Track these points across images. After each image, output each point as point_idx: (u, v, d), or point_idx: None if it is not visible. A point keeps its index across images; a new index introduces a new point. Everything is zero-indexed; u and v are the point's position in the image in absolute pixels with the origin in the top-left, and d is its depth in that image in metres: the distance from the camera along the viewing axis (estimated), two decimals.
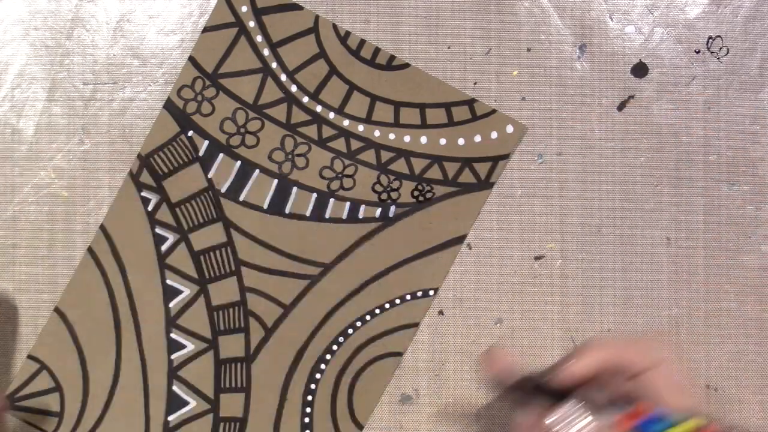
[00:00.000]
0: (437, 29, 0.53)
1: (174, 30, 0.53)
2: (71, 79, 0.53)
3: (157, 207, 0.53)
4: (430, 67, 0.53)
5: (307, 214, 0.53)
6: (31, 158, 0.53)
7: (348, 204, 0.53)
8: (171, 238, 0.53)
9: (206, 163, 0.53)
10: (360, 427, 0.53)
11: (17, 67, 0.53)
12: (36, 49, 0.53)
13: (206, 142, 0.53)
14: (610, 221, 0.53)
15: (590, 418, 0.39)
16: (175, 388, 0.52)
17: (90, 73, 0.53)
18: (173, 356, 0.52)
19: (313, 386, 0.53)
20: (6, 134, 0.53)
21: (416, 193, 0.53)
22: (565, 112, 0.53)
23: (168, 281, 0.53)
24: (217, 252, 0.53)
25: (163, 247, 0.53)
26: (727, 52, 0.53)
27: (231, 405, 0.53)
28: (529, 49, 0.53)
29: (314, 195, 0.53)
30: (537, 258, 0.53)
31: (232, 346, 0.53)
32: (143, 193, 0.53)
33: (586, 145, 0.53)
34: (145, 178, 0.53)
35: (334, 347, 0.53)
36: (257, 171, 0.53)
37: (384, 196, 0.53)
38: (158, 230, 0.53)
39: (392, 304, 0.53)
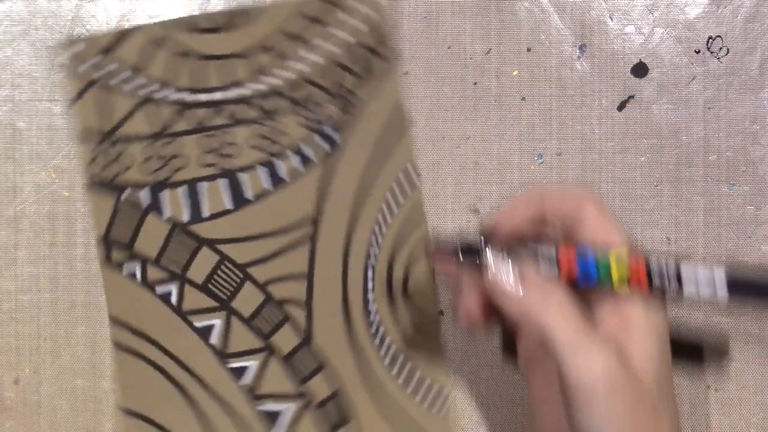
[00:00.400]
0: (437, 29, 0.53)
1: None
2: (71, 79, 0.53)
3: (144, 272, 0.53)
4: (430, 67, 0.53)
5: (269, 187, 0.53)
6: (31, 158, 0.53)
7: (298, 156, 0.53)
8: (173, 288, 0.53)
9: (156, 208, 0.53)
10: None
11: (17, 67, 0.53)
12: (36, 49, 0.53)
13: (143, 191, 0.53)
14: None
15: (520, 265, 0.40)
16: (263, 408, 0.52)
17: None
18: (241, 383, 0.52)
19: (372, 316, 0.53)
20: (6, 134, 0.53)
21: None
22: (565, 112, 0.53)
23: (196, 324, 0.53)
24: (219, 272, 0.53)
25: (173, 300, 0.53)
26: (727, 52, 0.53)
27: (317, 388, 0.53)
28: (529, 49, 0.53)
29: (262, 169, 0.53)
30: None
31: (285, 340, 0.53)
32: (125, 269, 0.53)
33: (586, 145, 0.53)
34: (117, 255, 0.53)
35: (369, 273, 0.53)
36: (202, 183, 0.53)
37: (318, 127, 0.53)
38: (159, 289, 0.53)
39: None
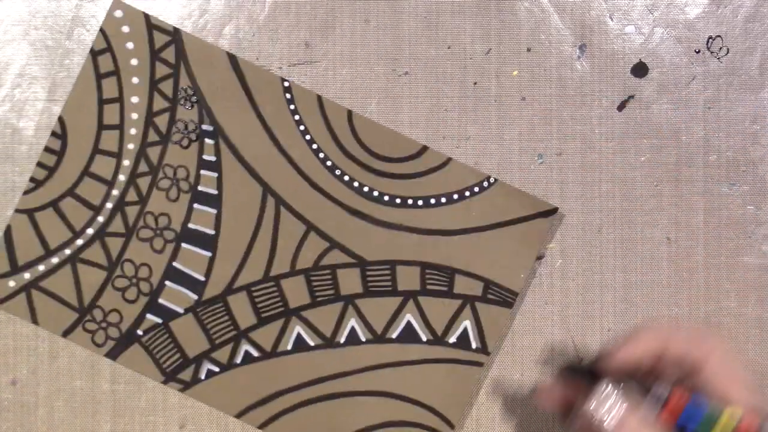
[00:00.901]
0: (437, 29, 0.53)
1: None
2: (71, 79, 0.53)
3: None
4: (430, 67, 0.53)
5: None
6: (31, 158, 0.53)
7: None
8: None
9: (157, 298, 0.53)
10: None
11: (17, 67, 0.53)
12: (36, 49, 0.53)
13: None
14: (610, 221, 0.53)
15: (625, 404, 0.39)
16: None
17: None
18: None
19: None
20: (6, 134, 0.53)
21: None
22: (565, 112, 0.53)
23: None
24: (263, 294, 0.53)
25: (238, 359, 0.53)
26: (727, 52, 0.53)
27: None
28: (529, 49, 0.53)
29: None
30: (537, 258, 0.53)
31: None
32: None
33: (586, 145, 0.53)
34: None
35: None
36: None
37: None
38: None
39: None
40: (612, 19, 0.53)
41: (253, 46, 0.54)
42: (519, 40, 0.53)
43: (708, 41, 0.53)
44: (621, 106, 0.53)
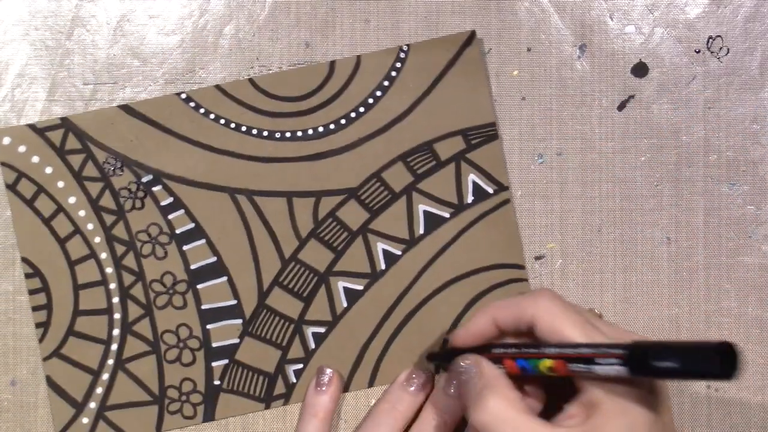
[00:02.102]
0: (437, 29, 0.53)
1: (174, 30, 0.53)
2: (71, 79, 0.53)
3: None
4: None
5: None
6: None
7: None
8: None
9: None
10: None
11: (17, 67, 0.53)
12: (36, 49, 0.53)
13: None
14: (610, 221, 0.53)
15: (471, 359, 0.46)
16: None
17: (90, 73, 0.53)
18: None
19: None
20: None
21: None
22: (565, 112, 0.53)
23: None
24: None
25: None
26: (728, 52, 0.53)
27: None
28: (529, 49, 0.53)
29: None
30: (537, 258, 0.53)
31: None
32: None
33: (586, 145, 0.53)
34: None
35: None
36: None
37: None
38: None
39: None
40: (612, 19, 0.53)
41: (253, 46, 0.54)
42: (519, 40, 0.53)
43: (708, 41, 0.53)
44: (621, 106, 0.53)
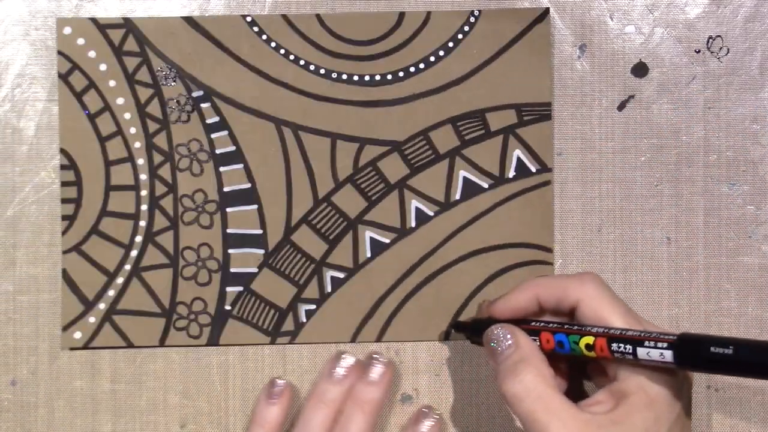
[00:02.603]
0: None
1: None
2: None
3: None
4: None
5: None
6: (31, 158, 0.53)
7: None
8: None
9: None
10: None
11: (17, 67, 0.53)
12: (36, 49, 0.53)
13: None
14: (610, 221, 0.53)
15: (509, 332, 0.46)
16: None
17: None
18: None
19: None
20: (6, 134, 0.53)
21: None
22: (565, 112, 0.53)
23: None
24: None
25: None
26: (728, 52, 0.53)
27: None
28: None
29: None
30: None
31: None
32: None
33: (586, 145, 0.53)
34: None
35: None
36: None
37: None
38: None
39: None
40: (612, 19, 0.53)
41: None
42: None
43: (708, 41, 0.53)
44: (621, 106, 0.53)
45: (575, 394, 0.49)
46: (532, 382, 0.43)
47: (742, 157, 0.53)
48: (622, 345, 0.42)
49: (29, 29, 0.53)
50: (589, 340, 0.44)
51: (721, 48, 0.53)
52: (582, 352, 0.44)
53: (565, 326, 0.45)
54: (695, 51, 0.53)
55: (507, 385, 0.44)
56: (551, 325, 0.46)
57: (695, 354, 0.40)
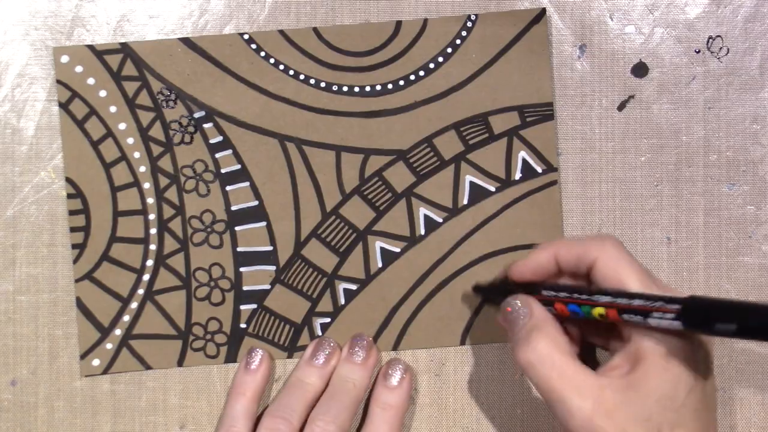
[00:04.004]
0: None
1: (174, 30, 0.53)
2: None
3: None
4: None
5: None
6: (31, 158, 0.53)
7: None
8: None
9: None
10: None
11: (17, 67, 0.53)
12: (36, 49, 0.53)
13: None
14: (610, 221, 0.53)
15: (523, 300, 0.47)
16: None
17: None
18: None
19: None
20: (6, 134, 0.53)
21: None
22: (565, 112, 0.53)
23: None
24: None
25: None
26: (728, 52, 0.53)
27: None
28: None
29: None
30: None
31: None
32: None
33: (586, 145, 0.53)
34: None
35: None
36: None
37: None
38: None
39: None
40: (612, 19, 0.53)
41: None
42: None
43: (708, 41, 0.53)
44: (621, 106, 0.53)
45: (590, 358, 0.50)
46: (545, 349, 0.43)
47: (742, 157, 0.53)
48: (631, 315, 0.42)
49: (29, 29, 0.53)
50: (601, 310, 0.44)
51: (721, 48, 0.53)
52: (596, 318, 0.44)
53: (575, 295, 0.45)
54: (695, 51, 0.53)
55: (521, 353, 0.44)
56: (562, 294, 0.46)
57: (702, 321, 0.40)
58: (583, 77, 0.53)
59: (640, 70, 0.53)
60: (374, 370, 0.52)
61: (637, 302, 0.42)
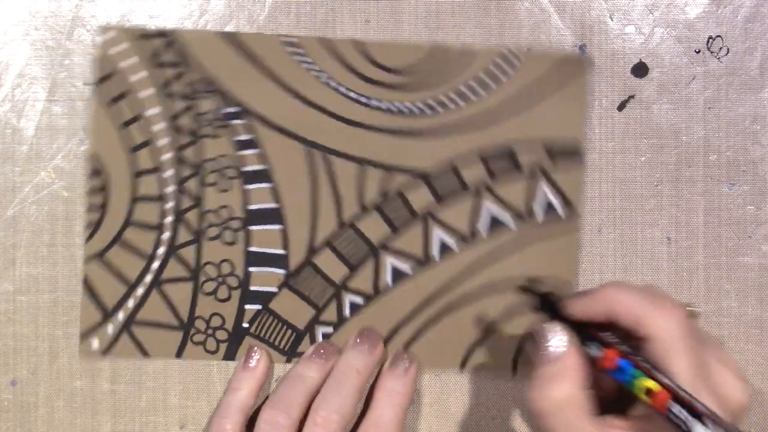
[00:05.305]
0: (437, 29, 0.53)
1: None
2: (71, 79, 0.53)
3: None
4: None
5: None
6: (31, 158, 0.53)
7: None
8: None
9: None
10: None
11: (17, 67, 0.53)
12: (36, 49, 0.53)
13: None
14: (610, 221, 0.53)
15: (565, 341, 0.43)
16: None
17: (90, 73, 0.53)
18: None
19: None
20: (6, 134, 0.53)
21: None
22: None
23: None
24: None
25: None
26: (728, 52, 0.53)
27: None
28: (529, 49, 0.53)
29: None
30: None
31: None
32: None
33: (586, 145, 0.53)
34: None
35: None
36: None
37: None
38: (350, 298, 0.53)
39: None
40: (612, 19, 0.54)
41: None
42: (519, 40, 0.53)
43: (708, 41, 0.53)
44: (621, 106, 0.53)
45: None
46: (564, 402, 0.40)
47: (742, 157, 0.53)
48: (683, 411, 0.38)
49: (29, 29, 0.53)
50: (653, 385, 0.40)
51: (721, 48, 0.53)
52: (635, 390, 0.41)
53: (638, 358, 0.41)
54: (695, 51, 0.53)
55: (537, 397, 0.41)
56: (623, 347, 0.42)
57: None
58: None
59: (640, 70, 0.53)
60: (380, 362, 0.52)
61: (698, 405, 0.38)
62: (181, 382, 0.53)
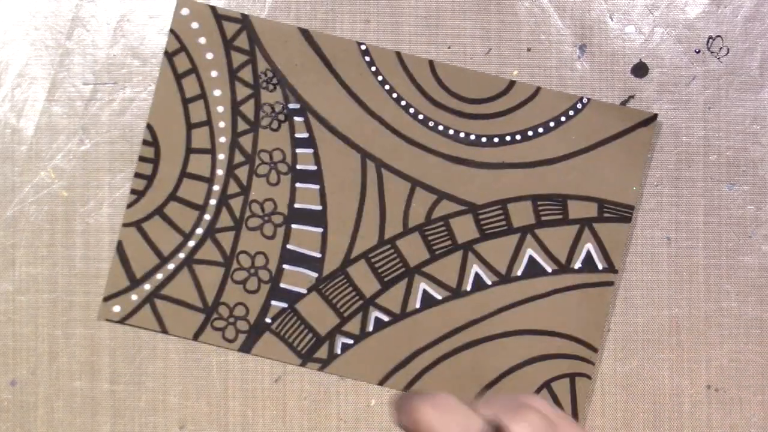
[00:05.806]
0: (437, 29, 0.53)
1: None
2: (71, 79, 0.53)
3: None
4: None
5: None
6: (31, 158, 0.53)
7: None
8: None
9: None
10: None
11: (17, 67, 0.53)
12: (36, 49, 0.53)
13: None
14: None
15: None
16: None
17: (90, 73, 0.53)
18: None
19: None
20: (6, 134, 0.53)
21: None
22: None
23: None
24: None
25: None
26: (728, 52, 0.53)
27: None
28: (529, 49, 0.53)
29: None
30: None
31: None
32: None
33: None
34: None
35: None
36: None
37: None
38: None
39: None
40: (612, 19, 0.54)
41: None
42: (519, 40, 0.53)
43: (708, 41, 0.53)
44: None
45: None
46: None
47: (742, 157, 0.53)
48: None
49: (29, 29, 0.53)
50: None
51: (721, 48, 0.53)
52: None
53: None
54: (695, 51, 0.53)
55: None
56: None
57: None
58: (583, 77, 0.53)
59: (640, 70, 0.53)
60: None
61: None
62: (181, 382, 0.53)
